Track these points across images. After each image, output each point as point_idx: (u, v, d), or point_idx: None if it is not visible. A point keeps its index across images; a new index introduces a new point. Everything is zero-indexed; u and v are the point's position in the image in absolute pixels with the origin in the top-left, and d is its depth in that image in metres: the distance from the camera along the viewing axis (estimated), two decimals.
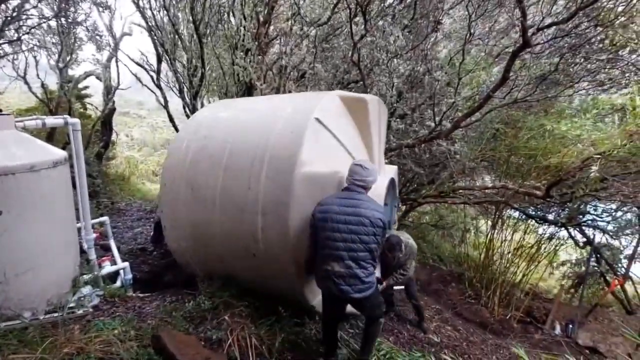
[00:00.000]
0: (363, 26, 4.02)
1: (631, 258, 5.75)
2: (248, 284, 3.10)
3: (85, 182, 3.40)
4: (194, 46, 5.56)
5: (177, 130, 6.32)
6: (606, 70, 4.14)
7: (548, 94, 4.12)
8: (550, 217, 5.91)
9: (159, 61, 6.33)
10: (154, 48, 6.21)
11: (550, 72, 3.69)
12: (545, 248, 6.49)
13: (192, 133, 3.29)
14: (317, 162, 2.69)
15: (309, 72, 5.00)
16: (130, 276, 3.70)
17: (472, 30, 3.41)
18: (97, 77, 8.57)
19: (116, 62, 8.08)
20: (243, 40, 5.24)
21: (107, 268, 3.58)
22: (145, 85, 6.62)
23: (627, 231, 5.68)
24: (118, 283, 3.61)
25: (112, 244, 4.31)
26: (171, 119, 6.72)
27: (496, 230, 6.21)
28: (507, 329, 5.55)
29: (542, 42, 3.65)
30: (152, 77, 6.42)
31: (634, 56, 4.20)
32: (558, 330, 5.87)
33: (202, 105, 6.53)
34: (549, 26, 3.10)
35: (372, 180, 2.53)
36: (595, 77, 4.20)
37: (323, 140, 2.82)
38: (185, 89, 5.93)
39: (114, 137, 9.81)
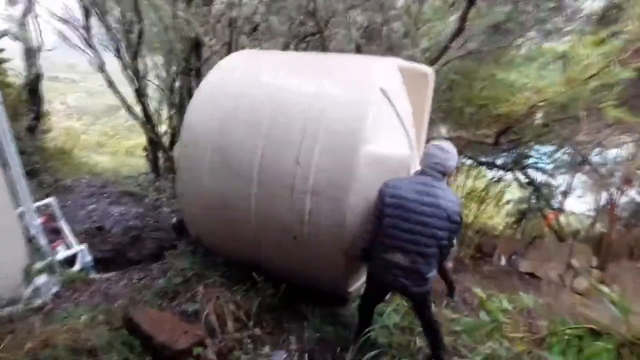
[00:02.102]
0: None
1: (565, 193, 6.46)
2: (276, 269, 2.82)
3: (18, 161, 3.02)
4: None
5: (120, 96, 5.71)
6: (552, 19, 4.28)
7: (500, 44, 4.22)
8: (499, 162, 6.37)
9: (87, 16, 5.51)
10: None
11: (504, 21, 3.74)
12: (493, 190, 7.09)
13: (219, 87, 2.78)
14: (379, 140, 2.38)
15: (263, 25, 4.65)
16: (89, 258, 3.52)
17: None
18: (14, 38, 7.34)
19: (35, 18, 6.92)
20: None
21: (62, 252, 3.36)
22: (76, 45, 5.80)
23: (563, 170, 6.30)
24: (77, 266, 3.42)
25: (64, 226, 4.01)
26: (110, 83, 6.05)
27: (451, 178, 6.61)
28: (460, 265, 6.16)
29: None
30: (81, 35, 5.60)
31: (576, 3, 4.35)
32: (504, 261, 6.63)
33: (146, 66, 5.93)
34: None
35: (453, 166, 2.24)
36: (543, 26, 4.34)
37: (385, 115, 2.49)
38: (123, 48, 5.29)
39: (46, 106, 8.71)
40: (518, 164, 5.82)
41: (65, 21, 5.63)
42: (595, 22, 4.26)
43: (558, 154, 6.48)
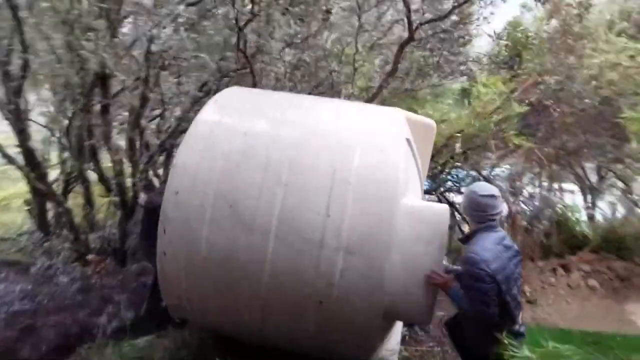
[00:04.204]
0: (250, 8, 3.59)
1: None
2: (286, 340, 2.44)
3: None
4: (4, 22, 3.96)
5: None
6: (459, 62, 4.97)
7: (421, 84, 4.70)
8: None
9: None
10: None
11: (433, 63, 4.17)
12: None
13: (220, 125, 2.40)
14: (408, 191, 2.23)
15: (186, 59, 4.24)
16: None
17: (361, 21, 3.49)
18: None
19: None
20: (81, 16, 3.99)
21: None
22: None
23: None
24: None
25: None
26: None
27: None
28: None
29: (423, 36, 4.07)
30: None
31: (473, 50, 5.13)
32: None
33: (28, 104, 4.84)
34: (429, 22, 3.44)
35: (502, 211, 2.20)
36: (451, 67, 5.01)
37: (409, 165, 2.36)
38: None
39: None
40: (439, 188, 6.42)
41: None
42: (492, 64, 5.13)
43: (463, 175, 7.37)
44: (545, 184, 7.62)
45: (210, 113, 2.55)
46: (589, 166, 8.19)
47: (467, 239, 2.27)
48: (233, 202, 2.22)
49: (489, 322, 2.11)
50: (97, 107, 5.64)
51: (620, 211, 9.55)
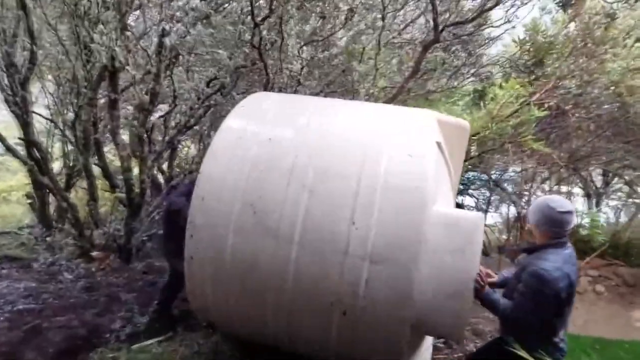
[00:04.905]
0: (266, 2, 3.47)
1: (484, 210, 7.31)
2: (308, 349, 2.39)
3: None
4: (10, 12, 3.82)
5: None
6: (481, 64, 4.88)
7: (449, 84, 4.63)
8: None
9: None
10: None
11: (453, 65, 4.09)
12: None
13: (248, 131, 2.39)
14: (438, 198, 2.14)
15: (199, 54, 4.12)
16: None
17: (385, 21, 3.39)
18: None
19: None
20: (90, 9, 3.86)
21: None
22: None
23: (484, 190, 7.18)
24: None
25: None
26: None
27: None
28: None
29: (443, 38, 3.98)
30: None
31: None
32: None
33: (30, 96, 4.70)
34: (455, 24, 3.34)
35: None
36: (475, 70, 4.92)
37: (440, 170, 2.27)
38: (5, 73, 4.09)
39: None
40: None
41: None
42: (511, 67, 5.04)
43: (472, 177, 7.34)
44: (554, 187, 7.60)
45: (236, 119, 2.54)
46: (595, 171, 8.19)
47: (532, 250, 2.19)
48: (258, 209, 2.18)
49: (527, 331, 2.07)
50: (102, 101, 5.56)
51: (623, 216, 9.59)
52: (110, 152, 6.33)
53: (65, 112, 5.13)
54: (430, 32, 4.03)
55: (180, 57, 4.41)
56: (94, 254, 4.77)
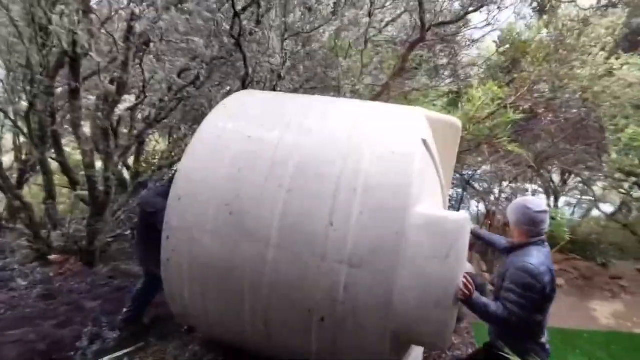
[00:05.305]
0: None
1: (457, 208, 7.53)
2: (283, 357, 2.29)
3: None
4: None
5: None
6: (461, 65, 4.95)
7: (430, 85, 4.64)
8: None
9: None
10: None
11: (444, 65, 4.10)
12: None
13: (228, 130, 2.30)
14: (423, 198, 2.04)
15: (172, 42, 3.83)
16: None
17: (372, 18, 3.32)
18: None
19: None
20: None
21: None
22: None
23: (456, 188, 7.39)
24: None
25: None
26: None
27: None
28: None
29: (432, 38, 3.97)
30: None
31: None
32: None
33: None
34: (441, 24, 3.33)
35: None
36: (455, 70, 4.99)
37: (427, 169, 2.17)
38: None
39: None
40: None
41: None
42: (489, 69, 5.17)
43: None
44: (513, 185, 7.95)
45: (217, 118, 2.42)
46: (555, 170, 8.71)
47: (514, 249, 2.21)
48: (234, 210, 2.09)
49: (519, 328, 2.07)
50: (60, 90, 5.07)
51: (578, 212, 10.32)
52: (69, 145, 5.83)
53: (17, 100, 4.62)
54: (412, 32, 4.01)
55: (151, 44, 4.10)
56: (52, 257, 4.36)
